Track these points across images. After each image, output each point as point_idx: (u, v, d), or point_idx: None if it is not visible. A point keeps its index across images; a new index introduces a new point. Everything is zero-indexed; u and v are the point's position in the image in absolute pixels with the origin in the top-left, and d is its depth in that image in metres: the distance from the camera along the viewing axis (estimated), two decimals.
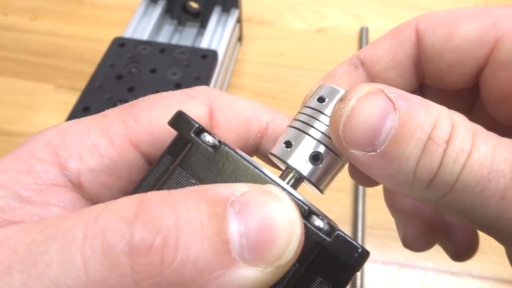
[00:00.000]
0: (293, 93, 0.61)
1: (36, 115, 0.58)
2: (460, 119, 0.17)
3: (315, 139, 0.19)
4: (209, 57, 0.53)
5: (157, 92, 0.22)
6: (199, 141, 0.18)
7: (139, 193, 0.18)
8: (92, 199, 0.19)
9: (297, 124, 0.20)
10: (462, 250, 0.25)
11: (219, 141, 0.18)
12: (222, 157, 0.18)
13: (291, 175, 0.20)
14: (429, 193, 0.17)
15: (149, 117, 0.20)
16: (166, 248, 0.13)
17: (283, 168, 0.20)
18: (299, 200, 0.17)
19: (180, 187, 0.17)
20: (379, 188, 0.28)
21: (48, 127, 0.20)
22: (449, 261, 0.47)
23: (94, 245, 0.13)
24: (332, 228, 0.16)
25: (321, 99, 0.20)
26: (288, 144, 0.20)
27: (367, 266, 0.47)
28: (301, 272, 0.16)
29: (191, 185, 0.17)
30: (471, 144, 0.16)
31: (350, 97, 0.17)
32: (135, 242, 0.13)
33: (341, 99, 0.18)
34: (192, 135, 0.18)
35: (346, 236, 0.16)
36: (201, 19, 0.63)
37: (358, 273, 0.45)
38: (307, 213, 0.16)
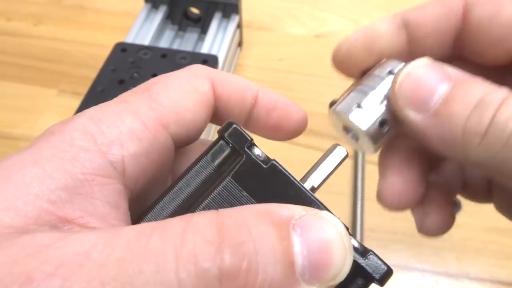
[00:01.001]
0: (293, 98, 0.60)
1: (39, 119, 0.59)
2: None
3: (382, 103, 0.21)
4: (209, 62, 0.54)
5: None
6: (252, 155, 0.19)
7: (180, 190, 0.19)
8: (131, 186, 0.19)
9: (365, 88, 0.22)
10: (432, 223, 0.25)
11: (267, 157, 0.19)
12: (272, 173, 0.19)
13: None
14: (481, 152, 0.18)
15: (170, 98, 0.20)
16: (250, 272, 0.14)
17: (341, 128, 0.22)
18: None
19: (232, 198, 0.19)
20: None
21: (76, 115, 0.19)
22: (447, 264, 0.48)
23: (188, 268, 0.14)
24: (364, 248, 0.18)
25: (390, 72, 0.22)
26: (358, 105, 0.21)
27: None
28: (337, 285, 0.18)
29: (243, 198, 0.19)
30: None
31: (410, 64, 0.20)
32: (226, 268, 0.14)
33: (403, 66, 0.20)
34: (246, 149, 0.19)
35: (376, 257, 0.18)
36: (201, 24, 0.64)
37: None
38: None
